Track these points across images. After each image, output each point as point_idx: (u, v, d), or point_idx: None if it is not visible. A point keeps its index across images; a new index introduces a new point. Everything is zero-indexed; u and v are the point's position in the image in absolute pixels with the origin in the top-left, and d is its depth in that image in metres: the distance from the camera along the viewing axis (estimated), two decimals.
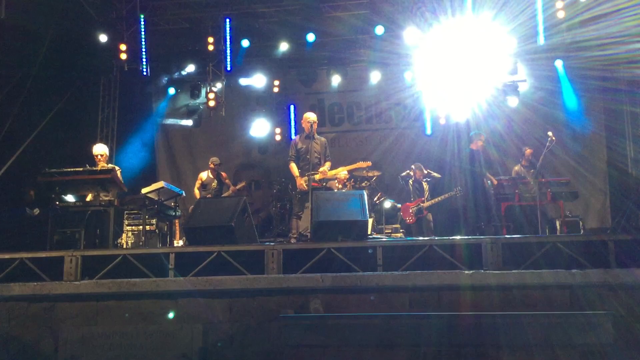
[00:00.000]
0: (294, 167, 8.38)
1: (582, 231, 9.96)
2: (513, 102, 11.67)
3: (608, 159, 11.94)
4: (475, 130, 10.04)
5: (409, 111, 13.13)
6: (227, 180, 10.83)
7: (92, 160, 8.54)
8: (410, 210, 10.48)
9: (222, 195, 10.48)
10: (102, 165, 8.41)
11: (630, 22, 10.25)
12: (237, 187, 10.89)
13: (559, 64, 11.80)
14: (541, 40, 10.43)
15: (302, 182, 8.14)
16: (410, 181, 10.72)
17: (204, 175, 10.75)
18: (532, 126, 11.47)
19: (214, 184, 10.58)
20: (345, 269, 6.14)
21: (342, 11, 11.83)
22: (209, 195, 10.37)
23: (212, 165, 10.66)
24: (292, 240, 8.28)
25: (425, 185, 10.63)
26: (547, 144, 8.99)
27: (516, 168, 10.26)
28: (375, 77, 12.63)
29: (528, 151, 10.22)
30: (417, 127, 12.89)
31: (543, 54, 11.40)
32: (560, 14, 10.28)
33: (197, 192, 10.61)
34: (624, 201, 11.09)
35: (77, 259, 6.52)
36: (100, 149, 8.67)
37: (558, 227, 9.87)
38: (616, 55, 11.26)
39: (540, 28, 10.45)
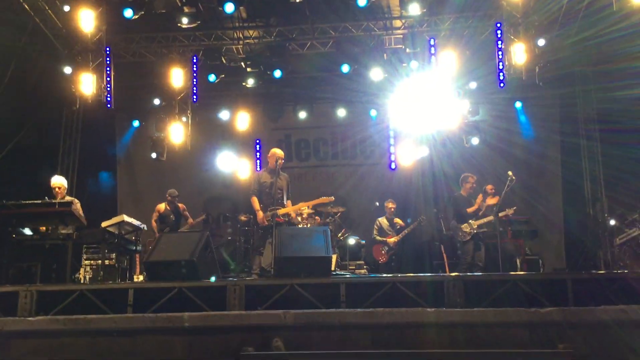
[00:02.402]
0: (255, 202, 8.30)
1: (542, 269, 10.12)
2: (475, 140, 11.94)
3: (564, 197, 12.26)
4: (465, 172, 10.10)
5: (374, 147, 13.32)
6: (185, 212, 10.70)
7: (50, 192, 8.36)
8: (382, 250, 10.51)
9: (181, 229, 10.33)
10: (60, 197, 8.23)
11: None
12: (197, 219, 10.77)
13: (518, 104, 12.16)
14: (501, 84, 10.72)
15: (262, 217, 8.11)
16: (383, 219, 10.82)
17: (162, 207, 10.60)
18: (493, 164, 11.75)
19: (172, 216, 10.44)
20: (309, 305, 6.08)
21: (308, 49, 12.02)
22: (167, 228, 10.22)
23: (169, 198, 10.54)
24: (254, 276, 8.19)
25: (398, 221, 10.76)
26: (508, 182, 9.15)
27: (478, 201, 10.41)
28: (341, 113, 12.82)
29: (491, 189, 10.39)
30: (382, 163, 13.07)
31: (503, 94, 11.73)
32: (520, 58, 10.60)
33: (154, 224, 10.43)
34: (581, 239, 11.37)
35: (32, 294, 6.30)
36: (58, 181, 8.46)
37: (519, 264, 10.01)
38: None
39: (501, 72, 10.75)
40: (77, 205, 8.07)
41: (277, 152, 8.56)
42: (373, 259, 10.79)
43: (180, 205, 10.64)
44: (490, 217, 9.40)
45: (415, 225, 10.49)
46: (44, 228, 7.75)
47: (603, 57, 11.42)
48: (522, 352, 5.53)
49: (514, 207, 9.55)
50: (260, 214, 8.15)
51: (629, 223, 10.19)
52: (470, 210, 9.37)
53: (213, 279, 6.56)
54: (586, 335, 5.62)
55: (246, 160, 12.85)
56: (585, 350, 5.53)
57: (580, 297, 5.88)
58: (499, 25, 10.72)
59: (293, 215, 8.55)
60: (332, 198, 8.96)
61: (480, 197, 9.47)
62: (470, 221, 9.35)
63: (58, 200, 8.08)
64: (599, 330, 5.64)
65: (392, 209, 10.90)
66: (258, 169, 12.79)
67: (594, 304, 5.79)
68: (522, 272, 9.60)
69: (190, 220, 10.66)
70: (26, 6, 10.48)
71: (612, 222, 10.86)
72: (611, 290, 5.87)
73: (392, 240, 10.59)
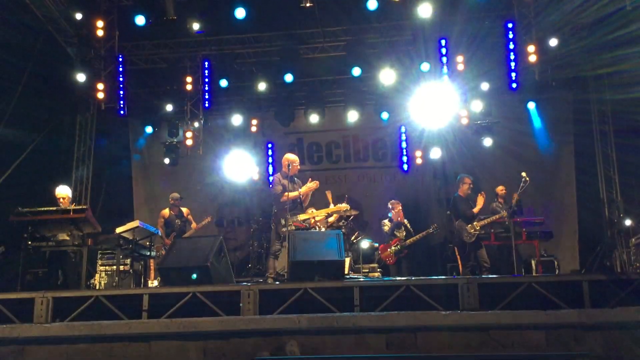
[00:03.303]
0: (290, 194, 8.23)
1: (557, 271, 10.05)
2: (487, 142, 11.88)
3: (578, 198, 12.15)
4: (461, 173, 10.11)
5: (386, 150, 13.32)
6: (189, 217, 10.69)
7: (55, 202, 8.28)
8: (389, 251, 10.47)
9: (186, 234, 10.34)
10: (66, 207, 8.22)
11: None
12: (201, 224, 10.76)
13: (531, 105, 12.08)
14: (513, 84, 10.67)
15: (310, 185, 8.29)
16: (387, 221, 10.75)
17: (166, 212, 10.58)
18: (505, 166, 11.69)
19: (178, 221, 10.46)
20: (323, 309, 6.08)
21: (319, 53, 12.04)
22: (174, 233, 10.23)
23: (171, 201, 10.54)
24: (269, 280, 8.20)
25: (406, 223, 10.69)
26: (521, 184, 9.11)
27: (492, 206, 10.37)
28: (352, 116, 12.79)
29: (502, 190, 10.34)
30: (394, 165, 13.06)
31: (516, 96, 11.65)
32: (532, 58, 10.55)
33: (161, 230, 10.29)
34: (596, 241, 11.26)
35: (48, 300, 6.36)
36: (63, 191, 8.41)
37: (534, 266, 9.95)
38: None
39: (513, 72, 10.69)
40: (89, 211, 8.10)
41: (291, 157, 8.57)
42: (379, 257, 10.76)
43: (184, 209, 10.64)
44: (493, 218, 9.43)
45: (428, 233, 10.45)
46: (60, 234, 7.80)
47: (617, 57, 11.32)
48: (538, 355, 5.49)
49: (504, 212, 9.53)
50: (300, 191, 8.26)
51: None
52: (475, 210, 9.34)
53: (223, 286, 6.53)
54: (603, 337, 5.58)
55: (255, 165, 12.81)
56: (602, 352, 5.48)
57: (596, 298, 5.84)
58: (510, 25, 10.67)
59: (312, 221, 8.55)
60: (348, 206, 8.92)
61: (480, 197, 9.40)
62: (474, 222, 9.32)
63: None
64: (616, 332, 5.60)
65: (397, 209, 10.80)
66: (271, 172, 12.82)
67: (611, 305, 5.74)
68: (537, 274, 9.54)
69: (194, 224, 10.66)
70: (39, 15, 10.60)
71: (628, 223, 10.76)
72: (628, 292, 5.82)
73: (405, 243, 10.52)
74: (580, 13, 10.48)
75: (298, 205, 8.27)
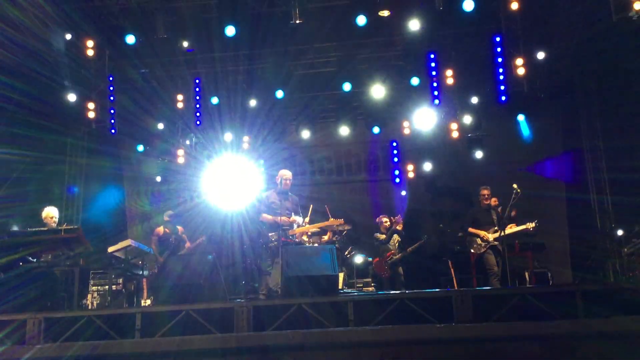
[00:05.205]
0: (266, 216, 8.20)
1: (550, 282, 10.05)
2: (478, 154, 11.95)
3: (568, 209, 12.19)
4: (469, 186, 10.03)
5: (378, 164, 13.37)
6: (183, 235, 10.65)
7: (41, 224, 8.24)
8: (384, 264, 10.46)
9: (180, 252, 10.29)
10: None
11: None
12: (195, 243, 10.72)
13: (520, 118, 12.16)
14: (503, 97, 10.76)
15: (285, 220, 7.97)
16: (379, 234, 10.76)
17: (160, 230, 10.54)
18: (496, 178, 11.70)
19: (172, 239, 10.41)
20: (317, 324, 6.06)
21: (310, 69, 12.09)
22: (167, 251, 10.17)
23: (166, 219, 10.51)
24: (262, 297, 8.16)
25: (397, 237, 10.67)
26: (514, 195, 9.11)
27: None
28: (344, 131, 12.84)
29: (494, 202, 10.34)
30: (386, 179, 13.09)
31: (505, 108, 11.73)
32: (520, 71, 10.64)
33: (154, 248, 10.21)
34: (588, 251, 11.28)
35: (40, 321, 6.31)
36: (51, 212, 8.37)
37: (527, 278, 9.95)
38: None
39: (502, 85, 10.78)
40: (80, 231, 8.05)
41: (285, 173, 8.55)
42: (373, 271, 10.75)
43: (179, 227, 10.60)
44: (519, 228, 9.29)
45: (418, 246, 10.46)
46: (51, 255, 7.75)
47: (604, 68, 11.44)
48: None
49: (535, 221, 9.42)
50: (284, 218, 7.97)
51: (636, 233, 10.14)
52: (478, 232, 9.29)
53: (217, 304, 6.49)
54: (597, 347, 5.58)
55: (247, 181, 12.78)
56: None
57: (590, 309, 5.84)
58: (498, 39, 10.77)
59: (305, 238, 8.48)
60: (342, 220, 8.87)
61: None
62: (488, 234, 9.26)
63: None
64: (610, 342, 5.60)
65: (387, 224, 10.81)
66: (264, 189, 12.79)
67: (604, 315, 5.75)
68: (530, 286, 9.55)
69: (188, 243, 10.62)
70: (29, 35, 10.60)
71: (620, 233, 10.80)
72: (621, 301, 5.83)
73: (398, 256, 10.51)
74: (568, 26, 10.60)
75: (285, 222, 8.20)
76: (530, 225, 9.22)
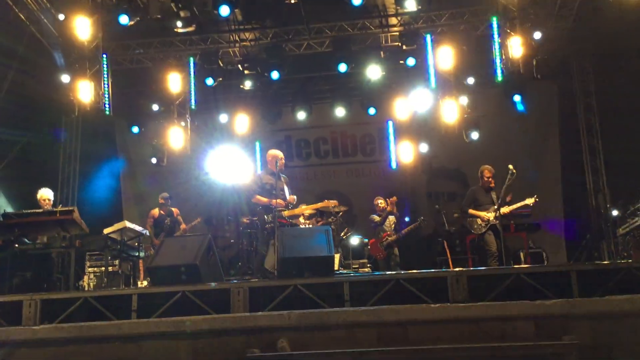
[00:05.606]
0: (260, 198, 8.13)
1: (545, 262, 10.10)
2: (474, 135, 11.92)
3: (564, 189, 12.23)
4: (467, 167, 9.94)
5: (374, 145, 13.36)
6: (179, 217, 10.64)
7: (37, 205, 8.26)
8: (379, 246, 10.48)
9: (176, 234, 10.29)
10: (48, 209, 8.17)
11: None
12: (191, 224, 10.71)
13: (517, 98, 12.11)
14: (499, 78, 10.73)
15: (278, 202, 7.87)
16: (375, 216, 10.74)
17: (156, 212, 10.53)
18: (492, 159, 11.69)
19: (167, 220, 10.40)
20: (313, 305, 6.08)
21: (305, 49, 12.01)
22: (163, 233, 10.18)
23: (161, 201, 10.50)
24: (258, 278, 8.18)
25: (392, 219, 10.66)
26: (509, 176, 9.06)
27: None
28: (339, 112, 12.81)
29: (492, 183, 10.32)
30: (383, 160, 13.09)
31: (501, 89, 11.70)
32: (517, 52, 10.59)
33: (150, 230, 10.21)
34: (583, 231, 11.34)
35: (36, 302, 6.31)
36: (46, 194, 8.42)
37: (522, 258, 9.99)
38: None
39: (498, 65, 10.74)
40: (76, 212, 8.04)
41: (276, 153, 8.51)
42: (368, 252, 10.78)
43: (174, 209, 10.59)
44: (516, 205, 9.17)
45: (415, 226, 10.46)
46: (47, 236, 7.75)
47: (601, 48, 11.40)
48: (528, 345, 5.52)
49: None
50: (274, 201, 7.89)
51: (631, 213, 10.17)
52: (475, 212, 9.22)
53: (213, 284, 6.51)
54: (592, 326, 5.61)
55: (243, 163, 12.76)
56: (591, 341, 5.52)
57: (585, 288, 5.87)
58: (495, 19, 10.71)
59: (300, 219, 8.48)
60: (336, 202, 8.84)
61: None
62: (488, 212, 9.20)
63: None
64: (605, 321, 5.64)
65: (382, 206, 10.76)
66: (259, 170, 12.78)
67: (599, 294, 5.78)
68: (525, 265, 9.59)
69: (183, 225, 10.61)
70: (22, 16, 10.49)
71: (615, 213, 10.84)
72: (616, 281, 5.86)
73: (393, 237, 10.51)
74: (563, 4, 10.54)
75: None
76: (530, 200, 9.17)
